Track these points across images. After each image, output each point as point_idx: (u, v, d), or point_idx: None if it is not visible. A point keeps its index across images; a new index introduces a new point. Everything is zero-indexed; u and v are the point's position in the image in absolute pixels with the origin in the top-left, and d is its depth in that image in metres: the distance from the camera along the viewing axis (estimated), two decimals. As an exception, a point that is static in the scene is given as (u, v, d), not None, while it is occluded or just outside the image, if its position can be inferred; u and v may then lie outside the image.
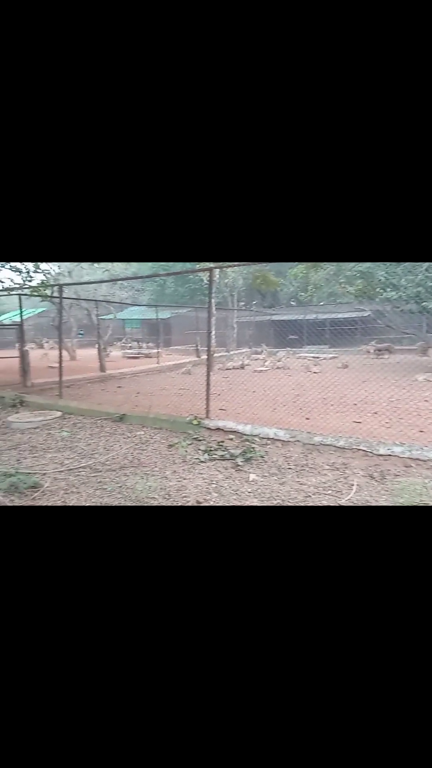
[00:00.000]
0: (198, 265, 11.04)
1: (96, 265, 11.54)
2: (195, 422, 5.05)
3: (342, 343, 18.14)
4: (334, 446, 4.22)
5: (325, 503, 3.03)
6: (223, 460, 4.06)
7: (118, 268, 20.82)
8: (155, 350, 17.17)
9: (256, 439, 4.54)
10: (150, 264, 28.21)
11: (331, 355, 15.81)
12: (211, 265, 7.70)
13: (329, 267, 16.42)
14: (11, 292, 9.70)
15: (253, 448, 4.21)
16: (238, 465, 3.89)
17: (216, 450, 4.27)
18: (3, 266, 9.20)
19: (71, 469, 3.86)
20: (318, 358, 14.99)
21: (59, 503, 3.11)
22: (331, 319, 20.44)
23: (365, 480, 3.47)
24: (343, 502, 3.04)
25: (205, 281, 20.07)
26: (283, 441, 4.48)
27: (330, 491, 3.24)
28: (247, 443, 4.36)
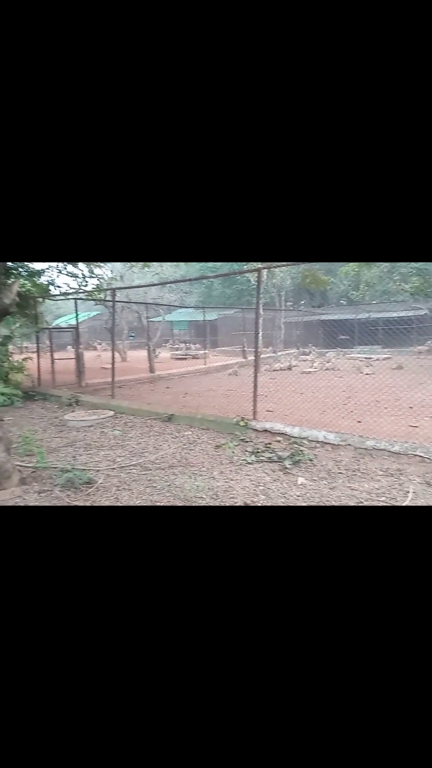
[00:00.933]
0: (246, 266, 11.03)
1: (146, 268, 11.88)
2: (242, 423, 5.04)
3: (396, 343, 17.30)
4: (388, 451, 4.03)
5: (378, 510, 2.90)
6: (271, 462, 4.02)
7: (167, 271, 21.31)
8: (202, 351, 17.38)
9: (305, 441, 4.45)
10: (198, 266, 28.62)
11: (384, 356, 15.14)
12: (259, 265, 7.65)
13: (382, 264, 15.78)
14: (68, 296, 10.23)
15: (301, 451, 4.13)
16: (286, 468, 3.83)
17: (263, 452, 4.24)
18: (60, 272, 9.73)
19: (123, 467, 4.00)
20: (370, 358, 14.42)
21: (112, 499, 3.23)
22: (384, 318, 19.57)
23: (422, 487, 3.28)
24: (398, 510, 2.90)
25: (253, 282, 20.04)
26: (333, 444, 4.35)
27: (384, 498, 3.11)
28: (295, 446, 4.28)
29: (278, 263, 8.19)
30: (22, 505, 3.14)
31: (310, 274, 20.41)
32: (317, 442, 4.45)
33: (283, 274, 20.63)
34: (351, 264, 19.45)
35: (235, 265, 16.77)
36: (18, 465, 3.78)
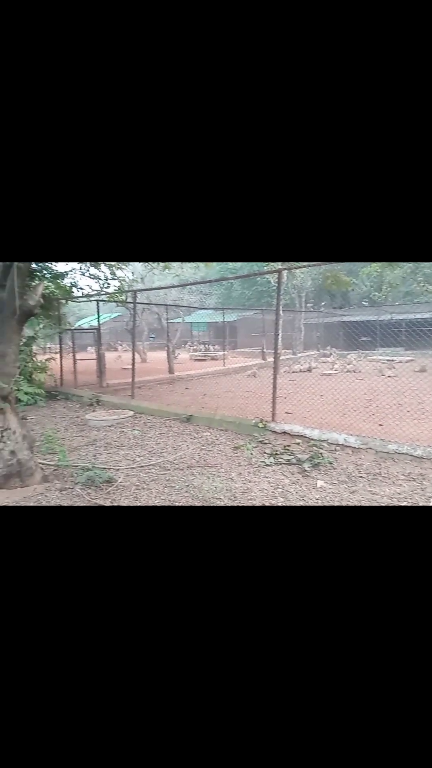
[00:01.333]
0: (266, 267, 10.98)
1: (167, 270, 11.99)
2: (261, 425, 5.02)
3: (420, 345, 16.89)
4: (411, 455, 3.94)
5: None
6: (290, 464, 3.99)
7: (187, 273, 21.40)
8: (221, 353, 17.39)
9: (325, 444, 4.39)
10: (218, 267, 28.67)
11: (407, 358, 14.81)
12: (280, 266, 7.60)
13: (406, 265, 15.43)
14: (90, 298, 10.41)
15: (321, 453, 4.08)
16: (305, 470, 3.79)
17: (282, 454, 4.21)
18: (83, 274, 9.92)
19: (142, 467, 4.04)
20: (392, 361, 14.13)
21: (131, 498, 3.26)
22: (407, 320, 19.13)
23: (446, 494, 3.20)
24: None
25: (273, 283, 19.92)
26: (354, 448, 4.28)
27: (405, 503, 3.04)
28: (315, 448, 4.23)
29: (299, 264, 8.12)
30: (44, 502, 3.21)
31: (331, 275, 20.13)
32: (337, 445, 4.39)
33: (304, 275, 20.43)
34: (374, 265, 19.10)
35: (255, 266, 16.72)
36: (40, 463, 3.86)
